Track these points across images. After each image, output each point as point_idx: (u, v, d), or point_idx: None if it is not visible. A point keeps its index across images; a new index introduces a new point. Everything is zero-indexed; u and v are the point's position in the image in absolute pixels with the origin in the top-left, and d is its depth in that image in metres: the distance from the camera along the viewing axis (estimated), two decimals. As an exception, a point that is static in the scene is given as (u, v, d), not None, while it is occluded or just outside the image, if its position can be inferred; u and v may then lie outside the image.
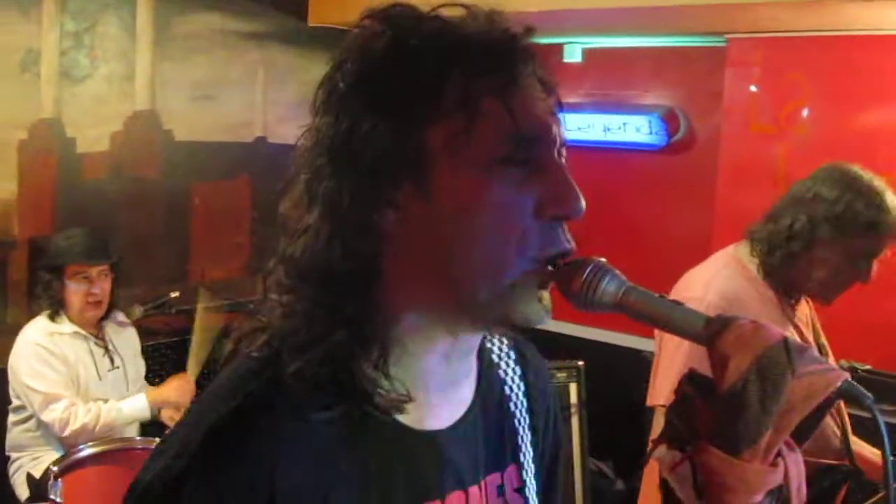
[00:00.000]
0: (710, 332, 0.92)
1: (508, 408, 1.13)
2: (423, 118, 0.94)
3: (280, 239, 0.99)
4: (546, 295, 0.99)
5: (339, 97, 0.97)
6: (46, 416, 3.41)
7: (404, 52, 0.96)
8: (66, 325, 3.57)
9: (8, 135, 3.90)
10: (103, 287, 3.59)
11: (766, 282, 2.43)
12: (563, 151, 1.00)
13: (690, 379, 0.96)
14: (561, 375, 4.12)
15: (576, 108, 5.09)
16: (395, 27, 0.98)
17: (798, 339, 2.50)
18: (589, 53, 5.10)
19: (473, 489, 1.04)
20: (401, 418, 0.98)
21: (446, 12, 1.00)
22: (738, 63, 4.43)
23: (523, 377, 1.17)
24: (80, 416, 3.43)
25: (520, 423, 1.13)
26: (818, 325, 2.71)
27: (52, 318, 3.56)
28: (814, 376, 0.88)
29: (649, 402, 2.48)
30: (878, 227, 2.27)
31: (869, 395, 0.91)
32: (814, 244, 2.33)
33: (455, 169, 0.94)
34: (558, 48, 5.13)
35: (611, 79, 5.08)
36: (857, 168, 2.41)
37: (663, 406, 2.39)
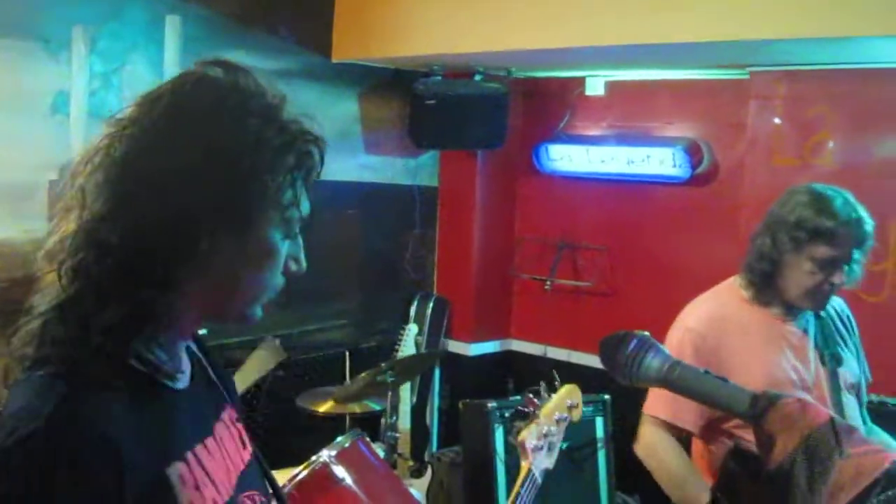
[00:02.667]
0: (757, 409, 0.93)
1: (203, 366, 1.43)
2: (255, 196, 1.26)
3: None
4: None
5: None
6: None
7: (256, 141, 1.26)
8: None
9: (39, 176, 3.94)
10: None
11: (757, 304, 2.69)
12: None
13: (736, 455, 0.97)
14: (587, 409, 4.11)
15: (599, 141, 5.11)
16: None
17: (796, 357, 2.61)
18: (612, 86, 5.12)
19: (219, 424, 1.37)
20: (168, 382, 1.24)
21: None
22: (761, 96, 4.43)
23: (195, 341, 1.44)
24: None
25: (212, 374, 1.45)
26: (844, 336, 2.82)
27: None
28: (862, 458, 0.88)
29: (644, 408, 2.74)
30: (830, 232, 2.51)
31: (918, 476, 0.91)
32: (782, 259, 2.58)
33: (260, 234, 1.25)
34: (581, 81, 5.16)
35: (634, 111, 5.09)
36: (815, 184, 2.69)
37: (654, 417, 2.66)
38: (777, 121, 4.39)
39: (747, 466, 0.93)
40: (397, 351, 4.97)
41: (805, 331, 2.73)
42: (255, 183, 1.17)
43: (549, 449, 1.97)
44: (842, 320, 2.87)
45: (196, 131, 1.17)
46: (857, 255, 2.61)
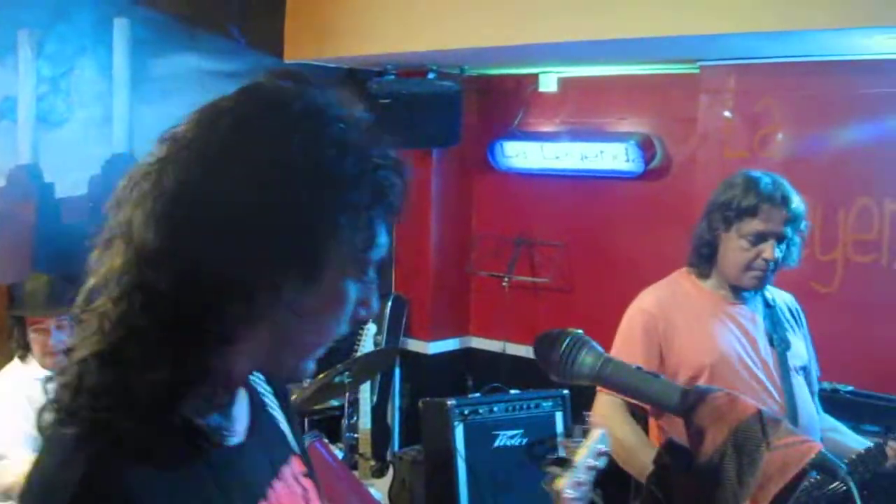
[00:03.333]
0: (687, 404, 0.94)
1: (269, 412, 1.26)
2: (323, 234, 1.05)
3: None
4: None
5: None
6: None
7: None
8: (36, 369, 3.53)
9: (-14, 182, 3.90)
10: (59, 337, 3.53)
11: (704, 284, 2.83)
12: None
13: (669, 449, 0.98)
14: (546, 404, 4.15)
15: (552, 137, 5.14)
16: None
17: (745, 336, 2.68)
18: (564, 82, 5.15)
19: (278, 484, 1.17)
20: (217, 438, 1.05)
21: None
22: (711, 90, 4.48)
23: (268, 382, 1.29)
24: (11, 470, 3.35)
25: (280, 421, 1.28)
26: (793, 326, 2.90)
27: (23, 359, 3.54)
28: (789, 449, 0.90)
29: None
30: (754, 207, 2.66)
31: (842, 465, 0.92)
32: (717, 240, 2.74)
33: (335, 277, 1.06)
34: (533, 78, 5.18)
35: (587, 107, 5.13)
36: (749, 170, 2.86)
37: (607, 394, 2.72)
38: (727, 114, 4.44)
39: (680, 460, 0.94)
40: (356, 351, 4.96)
41: (754, 314, 2.82)
42: (327, 224, 1.01)
43: (582, 500, 1.91)
44: (791, 311, 2.95)
45: (261, 161, 0.99)
46: (788, 232, 2.71)
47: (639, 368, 0.98)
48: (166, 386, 0.97)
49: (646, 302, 2.85)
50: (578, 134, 5.03)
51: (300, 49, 4.86)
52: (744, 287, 2.77)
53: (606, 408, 2.76)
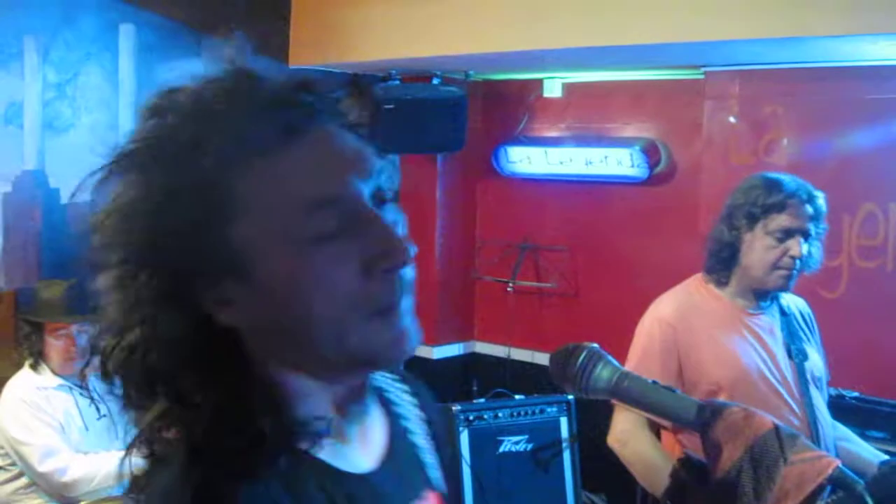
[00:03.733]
0: (703, 419, 0.94)
1: (412, 441, 1.16)
2: (224, 218, 0.93)
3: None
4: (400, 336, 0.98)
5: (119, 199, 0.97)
6: (45, 467, 3.38)
7: (186, 154, 0.94)
8: (49, 377, 3.55)
9: (-8, 188, 3.91)
10: (83, 342, 3.57)
11: (724, 296, 2.75)
12: (385, 189, 0.99)
13: (685, 464, 0.98)
14: (551, 410, 4.15)
15: (557, 143, 5.14)
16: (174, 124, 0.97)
17: (764, 350, 2.64)
18: (569, 88, 5.15)
19: None
20: (335, 463, 0.99)
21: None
22: (716, 95, 4.48)
23: (420, 410, 1.21)
24: (80, 465, 3.41)
25: (426, 453, 1.17)
26: (807, 333, 2.87)
27: (35, 368, 3.55)
28: (805, 464, 0.90)
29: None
30: (781, 203, 2.63)
31: (860, 480, 0.93)
32: (741, 241, 2.68)
33: (272, 256, 0.93)
34: (538, 83, 5.18)
35: (591, 112, 5.13)
36: (764, 172, 2.86)
37: (626, 409, 2.63)
38: (732, 120, 4.44)
39: (696, 475, 0.94)
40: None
41: (772, 325, 2.78)
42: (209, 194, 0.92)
43: None
44: (804, 318, 2.91)
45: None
46: (812, 230, 2.68)
47: (655, 383, 0.98)
48: (226, 406, 0.92)
49: (664, 311, 2.78)
50: (583, 139, 5.04)
51: (305, 55, 4.87)
52: (769, 288, 2.71)
53: (627, 423, 2.72)
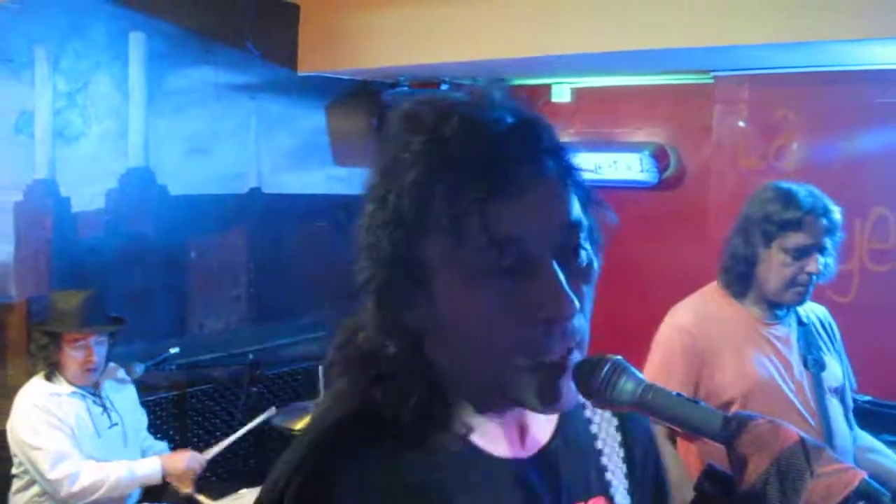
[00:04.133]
0: (728, 431, 0.94)
1: (595, 445, 1.19)
2: (419, 230, 0.99)
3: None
4: (549, 393, 1.01)
5: (365, 202, 1.06)
6: (55, 474, 3.39)
7: (400, 164, 1.01)
8: (63, 385, 3.56)
9: (3, 197, 3.91)
10: (100, 352, 3.59)
11: (740, 306, 2.74)
12: (574, 235, 1.03)
13: (710, 475, 0.98)
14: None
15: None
16: (398, 134, 1.03)
17: (779, 360, 2.62)
18: (578, 93, 5.15)
19: None
20: (481, 444, 1.06)
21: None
22: (726, 100, 4.48)
23: (618, 425, 1.23)
24: (91, 472, 3.42)
25: (609, 460, 1.19)
26: (826, 343, 2.84)
27: (49, 378, 3.56)
28: (832, 477, 0.90)
29: None
30: (798, 221, 2.60)
31: (887, 493, 0.92)
32: (756, 256, 2.67)
33: (448, 279, 1.00)
34: (547, 88, 5.18)
35: (601, 117, 5.13)
36: (779, 181, 2.78)
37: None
38: (741, 124, 4.44)
39: (721, 487, 0.94)
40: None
41: (788, 335, 2.76)
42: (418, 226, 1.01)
43: None
44: (824, 327, 2.89)
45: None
46: (828, 243, 2.66)
47: (679, 395, 0.98)
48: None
49: (682, 319, 2.76)
50: (592, 144, 5.03)
51: (314, 61, 4.88)
52: (785, 303, 2.70)
53: None
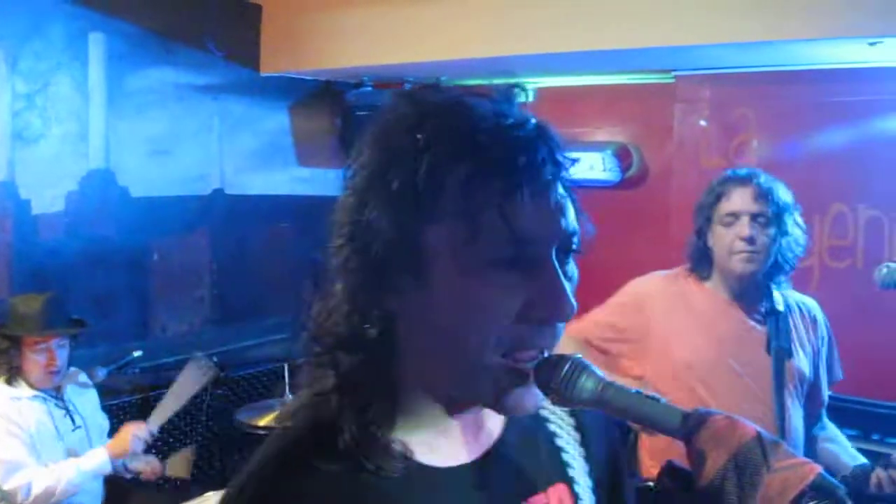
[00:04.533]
0: (687, 427, 0.95)
1: (550, 431, 1.20)
2: (423, 216, 0.98)
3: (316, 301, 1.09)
4: (522, 391, 1.01)
5: (355, 180, 1.03)
6: (9, 485, 3.35)
7: (408, 146, 0.99)
8: (24, 389, 3.52)
9: (-38, 200, 3.87)
10: (62, 355, 3.56)
11: (706, 285, 2.83)
12: (571, 241, 1.06)
13: (669, 472, 0.99)
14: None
15: (530, 147, 5.15)
16: (409, 115, 1.02)
17: (734, 342, 2.65)
18: (541, 93, 5.17)
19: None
20: (423, 459, 1.04)
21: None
22: (687, 99, 4.52)
23: (576, 425, 1.23)
24: (42, 479, 3.39)
25: (567, 443, 1.20)
26: (801, 335, 2.85)
27: (10, 382, 3.52)
28: (788, 471, 0.91)
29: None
30: (724, 190, 2.75)
31: (841, 486, 0.94)
32: (707, 234, 2.79)
33: (449, 266, 0.99)
34: (510, 88, 5.19)
35: (563, 117, 5.13)
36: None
37: (573, 337, 2.80)
38: (703, 123, 4.49)
39: (681, 483, 0.96)
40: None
41: (754, 318, 2.79)
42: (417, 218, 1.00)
43: None
44: (804, 318, 2.89)
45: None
46: (762, 209, 2.70)
47: (639, 392, 1.00)
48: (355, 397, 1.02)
49: (648, 281, 2.92)
50: (555, 143, 5.05)
51: (277, 62, 4.86)
52: (737, 273, 2.73)
53: None
